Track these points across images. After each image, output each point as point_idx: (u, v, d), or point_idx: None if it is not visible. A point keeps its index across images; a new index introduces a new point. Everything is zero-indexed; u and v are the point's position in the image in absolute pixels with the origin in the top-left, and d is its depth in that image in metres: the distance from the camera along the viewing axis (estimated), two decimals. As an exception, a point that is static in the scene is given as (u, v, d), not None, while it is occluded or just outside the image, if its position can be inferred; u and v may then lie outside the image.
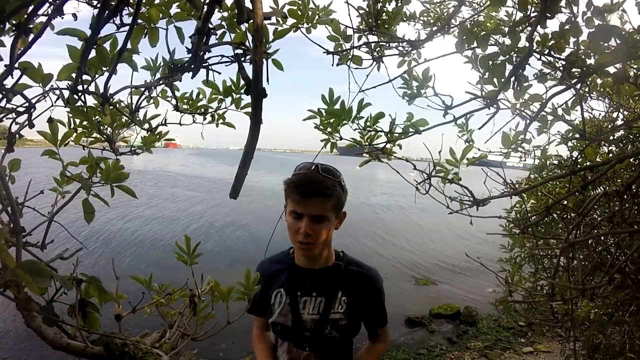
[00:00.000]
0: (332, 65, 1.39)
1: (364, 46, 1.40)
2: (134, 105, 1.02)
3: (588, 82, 1.54)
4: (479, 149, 1.51)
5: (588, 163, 1.46)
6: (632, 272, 1.51)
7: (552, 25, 0.95)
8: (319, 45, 1.31)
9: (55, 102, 0.83)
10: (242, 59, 0.84)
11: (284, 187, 1.24)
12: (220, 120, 1.24)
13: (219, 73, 0.88)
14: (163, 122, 1.18)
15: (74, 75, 0.77)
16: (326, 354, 1.27)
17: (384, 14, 1.39)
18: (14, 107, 0.76)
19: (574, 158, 1.48)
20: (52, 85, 0.81)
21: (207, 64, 0.84)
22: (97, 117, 1.00)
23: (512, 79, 1.01)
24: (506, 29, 1.11)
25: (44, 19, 0.66)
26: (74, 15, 0.94)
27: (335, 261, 1.32)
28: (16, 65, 0.62)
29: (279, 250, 1.44)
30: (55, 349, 0.93)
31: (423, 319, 5.38)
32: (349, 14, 1.33)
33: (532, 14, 1.01)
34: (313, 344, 1.26)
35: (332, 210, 1.22)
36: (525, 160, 1.86)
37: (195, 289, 1.22)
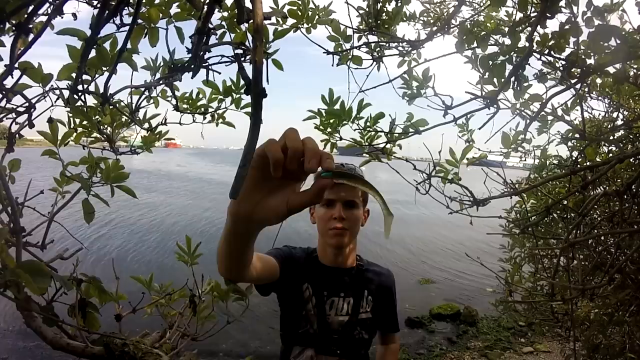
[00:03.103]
0: (332, 65, 1.39)
1: (363, 46, 1.40)
2: (134, 105, 1.02)
3: (588, 82, 1.54)
4: (479, 149, 1.51)
5: (588, 163, 1.46)
6: (632, 272, 1.51)
7: (552, 25, 0.95)
8: (319, 46, 1.31)
9: (55, 102, 0.83)
10: (242, 59, 0.84)
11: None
12: (220, 120, 1.24)
13: (219, 73, 0.88)
14: (163, 122, 1.18)
15: (74, 75, 0.77)
16: (352, 356, 1.22)
17: (384, 14, 1.39)
18: (14, 107, 0.76)
19: (574, 158, 1.48)
20: (52, 85, 0.81)
21: (207, 64, 0.84)
22: (97, 117, 1.00)
23: (512, 79, 1.01)
24: (506, 29, 1.11)
25: (44, 18, 0.66)
26: (74, 15, 0.94)
27: (357, 262, 1.32)
28: (16, 65, 0.62)
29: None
30: (55, 349, 0.93)
31: (423, 319, 5.39)
32: (349, 14, 1.33)
33: (532, 14, 1.01)
34: (343, 347, 1.20)
35: (360, 199, 1.24)
36: (525, 160, 1.86)
37: (195, 289, 1.22)
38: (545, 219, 1.92)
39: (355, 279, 1.27)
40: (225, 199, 0.46)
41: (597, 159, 1.64)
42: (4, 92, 0.68)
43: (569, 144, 1.67)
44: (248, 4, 0.58)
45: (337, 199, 1.20)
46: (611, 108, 1.90)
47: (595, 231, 1.58)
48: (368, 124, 1.36)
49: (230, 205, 0.52)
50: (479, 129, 1.32)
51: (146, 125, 1.17)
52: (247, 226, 0.54)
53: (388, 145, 1.41)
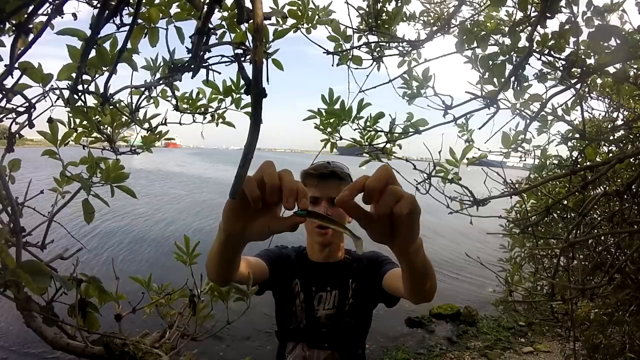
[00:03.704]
0: (332, 65, 1.39)
1: (363, 46, 1.40)
2: (134, 105, 1.02)
3: (588, 82, 1.54)
4: (479, 149, 1.51)
5: (588, 163, 1.46)
6: (632, 272, 1.51)
7: (552, 25, 0.95)
8: (319, 46, 1.31)
9: (55, 102, 0.83)
10: (242, 59, 0.84)
11: (300, 179, 1.24)
12: (220, 120, 1.24)
13: (219, 73, 0.88)
14: (163, 122, 1.18)
15: (74, 75, 0.77)
16: (343, 349, 1.23)
17: (384, 14, 1.39)
18: (14, 107, 0.76)
19: (574, 158, 1.48)
20: (52, 85, 0.81)
21: (207, 64, 0.84)
22: (97, 117, 1.00)
23: (512, 79, 1.01)
24: (506, 29, 1.11)
25: (44, 18, 0.66)
26: (74, 15, 0.94)
27: (345, 255, 1.32)
28: (16, 65, 0.62)
29: None
30: (55, 349, 0.93)
31: (423, 319, 5.38)
32: (349, 14, 1.33)
33: (532, 14, 1.01)
34: (332, 340, 1.22)
35: None
36: (525, 160, 1.86)
37: (194, 289, 1.23)
38: (545, 219, 1.92)
39: (342, 272, 1.29)
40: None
41: (597, 159, 1.64)
42: (4, 92, 0.68)
43: (569, 144, 1.67)
44: (248, 4, 0.58)
45: (322, 196, 1.20)
46: (611, 108, 1.90)
47: (595, 231, 1.58)
48: (368, 123, 1.36)
49: (221, 222, 0.57)
50: (479, 129, 1.33)
51: (146, 125, 1.17)
52: (237, 241, 0.61)
53: (388, 145, 1.41)
